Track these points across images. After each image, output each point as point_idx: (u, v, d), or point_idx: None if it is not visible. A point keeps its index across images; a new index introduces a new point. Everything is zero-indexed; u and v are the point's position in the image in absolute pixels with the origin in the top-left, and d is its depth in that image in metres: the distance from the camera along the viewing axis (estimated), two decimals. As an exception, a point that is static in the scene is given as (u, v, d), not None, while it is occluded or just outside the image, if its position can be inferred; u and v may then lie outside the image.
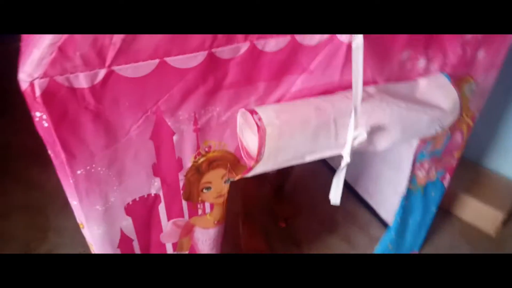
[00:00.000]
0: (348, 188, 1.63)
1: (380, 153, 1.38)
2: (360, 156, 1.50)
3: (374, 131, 0.73)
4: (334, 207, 1.53)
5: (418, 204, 1.14)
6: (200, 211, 0.74)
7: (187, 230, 0.76)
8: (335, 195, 0.77)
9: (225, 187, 0.73)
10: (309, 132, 0.65)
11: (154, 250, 0.74)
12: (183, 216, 0.72)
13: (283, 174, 1.49)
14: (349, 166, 1.58)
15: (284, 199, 1.55)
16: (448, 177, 1.13)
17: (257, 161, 0.64)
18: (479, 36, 0.79)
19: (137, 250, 0.71)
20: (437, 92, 0.77)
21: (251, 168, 0.66)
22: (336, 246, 1.42)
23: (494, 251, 1.43)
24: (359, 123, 0.68)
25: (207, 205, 0.74)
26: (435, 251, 1.42)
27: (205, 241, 0.79)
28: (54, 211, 1.47)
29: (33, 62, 0.47)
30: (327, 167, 1.73)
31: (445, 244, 1.46)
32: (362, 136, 0.68)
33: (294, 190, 1.62)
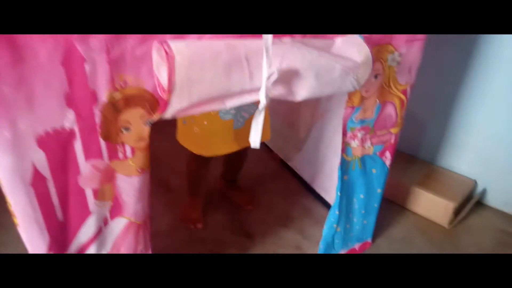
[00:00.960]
0: (306, 187, 1.64)
1: (332, 146, 1.42)
2: (316, 153, 1.53)
3: (290, 78, 0.77)
4: (291, 204, 1.56)
5: (359, 180, 1.15)
6: (120, 155, 0.74)
7: (108, 176, 0.75)
8: (255, 138, 0.78)
9: (146, 130, 0.74)
10: (220, 65, 0.68)
11: (72, 196, 0.73)
12: (102, 158, 0.73)
13: (233, 168, 1.52)
14: (306, 165, 1.62)
15: (241, 189, 1.56)
16: (388, 155, 1.16)
17: (169, 91, 0.66)
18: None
19: (52, 193, 0.71)
20: (350, 48, 0.82)
21: (165, 102, 0.68)
22: (290, 238, 1.41)
23: (448, 241, 1.43)
24: (272, 63, 0.71)
25: (128, 148, 0.74)
26: (388, 242, 1.42)
27: (130, 192, 0.79)
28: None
29: None
30: (287, 169, 1.75)
31: (399, 235, 1.46)
32: (275, 75, 0.71)
33: (252, 188, 1.62)
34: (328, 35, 0.82)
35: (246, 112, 1.19)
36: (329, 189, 1.49)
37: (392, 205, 1.59)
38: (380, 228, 1.44)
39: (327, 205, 1.53)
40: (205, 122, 1.17)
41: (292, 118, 1.67)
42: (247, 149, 1.32)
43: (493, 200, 1.57)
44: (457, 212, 1.49)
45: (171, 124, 1.21)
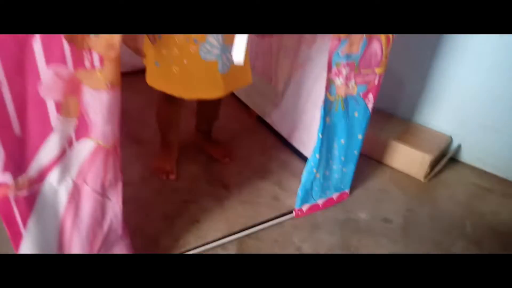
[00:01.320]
0: (283, 142, 1.61)
1: (312, 97, 1.38)
2: (295, 106, 1.49)
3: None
4: (268, 158, 1.52)
5: (341, 123, 1.12)
6: (87, 63, 0.67)
7: (73, 87, 0.68)
8: (238, 54, 0.72)
9: (116, 37, 0.66)
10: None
11: (32, 107, 0.65)
12: (65, 64, 0.65)
13: (207, 118, 1.46)
14: (284, 119, 1.58)
15: (217, 142, 1.51)
16: (371, 98, 1.13)
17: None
18: None
19: (7, 99, 0.62)
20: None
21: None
22: (267, 189, 1.37)
23: (423, 194, 1.44)
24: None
25: (96, 56, 0.67)
26: (365, 194, 1.40)
27: (97, 109, 0.71)
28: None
29: None
30: (265, 126, 1.70)
31: (376, 187, 1.45)
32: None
33: (228, 143, 1.57)
34: None
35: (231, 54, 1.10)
36: (307, 143, 1.46)
37: (370, 161, 1.57)
38: (357, 180, 1.42)
39: (304, 159, 1.49)
40: (185, 61, 1.08)
41: (270, 73, 1.61)
42: (220, 98, 1.25)
43: (467, 156, 1.59)
44: (432, 166, 1.50)
45: (142, 79, 1.15)
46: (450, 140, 1.58)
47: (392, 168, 1.55)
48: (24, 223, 0.76)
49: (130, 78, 1.31)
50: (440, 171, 1.53)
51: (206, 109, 1.41)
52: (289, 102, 1.54)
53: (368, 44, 1.00)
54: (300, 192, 1.21)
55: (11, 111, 0.64)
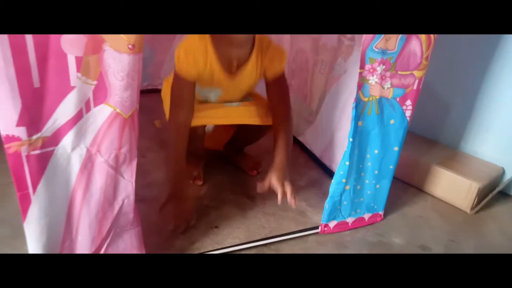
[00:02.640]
0: (316, 161, 1.54)
1: (347, 110, 1.33)
2: (329, 123, 1.44)
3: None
4: (298, 175, 1.45)
5: (375, 130, 1.04)
6: (111, 21, 0.67)
7: (96, 44, 0.68)
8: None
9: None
10: None
11: (53, 60, 0.65)
12: (90, 19, 0.66)
13: (246, 140, 1.43)
14: (317, 138, 1.52)
15: (246, 155, 1.47)
16: (410, 105, 1.05)
17: None
18: None
19: (30, 48, 0.63)
20: None
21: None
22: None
23: (469, 225, 1.28)
24: None
25: (120, 15, 0.67)
26: (402, 220, 1.28)
27: (117, 72, 0.71)
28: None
29: None
30: (298, 144, 1.65)
31: (414, 213, 1.32)
32: None
33: (259, 157, 1.52)
34: None
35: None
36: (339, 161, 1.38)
37: (408, 187, 1.45)
38: (393, 205, 1.31)
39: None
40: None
41: (305, 90, 1.59)
42: (268, 127, 1.25)
43: (522, 190, 1.42)
44: (481, 197, 1.34)
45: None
46: (501, 171, 1.43)
47: (433, 197, 1.41)
48: (34, 187, 0.74)
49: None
50: (488, 204, 1.37)
51: (249, 132, 1.36)
52: (323, 119, 1.48)
53: (406, 41, 0.95)
54: (327, 204, 1.12)
55: (32, 61, 0.65)
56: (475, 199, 1.32)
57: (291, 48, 1.64)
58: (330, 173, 1.45)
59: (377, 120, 1.04)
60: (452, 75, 1.50)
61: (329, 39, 1.40)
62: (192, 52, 1.07)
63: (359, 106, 1.00)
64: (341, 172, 1.07)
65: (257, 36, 1.14)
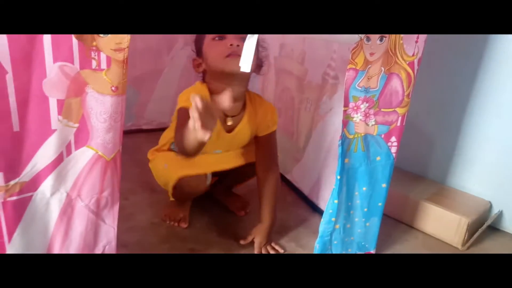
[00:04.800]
0: (304, 200, 1.52)
1: (333, 148, 1.33)
2: (316, 160, 1.44)
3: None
4: (286, 214, 1.42)
5: (362, 167, 1.04)
6: (94, 63, 0.67)
7: (78, 87, 0.67)
8: (245, 63, 0.71)
9: (126, 38, 0.67)
10: None
11: (34, 103, 0.64)
12: (72, 62, 0.65)
13: (236, 179, 1.42)
14: (305, 175, 1.51)
15: (234, 194, 1.44)
16: (395, 141, 1.06)
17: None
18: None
19: (11, 91, 0.62)
20: None
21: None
22: (283, 245, 1.25)
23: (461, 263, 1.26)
24: None
25: (103, 57, 0.67)
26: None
27: (100, 114, 0.70)
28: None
29: None
30: (285, 182, 1.64)
31: (406, 252, 1.29)
32: None
33: (246, 196, 1.50)
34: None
35: None
36: (328, 198, 1.37)
37: (398, 224, 1.43)
38: (384, 243, 1.28)
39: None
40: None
41: (292, 128, 1.60)
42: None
43: (510, 224, 1.42)
44: (471, 231, 1.33)
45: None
46: (488, 205, 1.43)
47: (424, 233, 1.40)
48: (10, 235, 0.70)
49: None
50: (479, 239, 1.36)
51: (238, 173, 1.35)
52: (310, 156, 1.48)
53: (387, 79, 0.97)
54: (317, 244, 1.09)
55: (12, 104, 0.63)
56: (465, 234, 1.30)
57: (276, 86, 1.67)
58: (319, 211, 1.43)
59: (363, 157, 1.04)
60: (435, 111, 1.53)
61: (314, 77, 1.43)
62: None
63: (345, 144, 1.00)
64: (330, 211, 1.05)
65: (247, 93, 1.17)
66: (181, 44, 1.85)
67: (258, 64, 1.15)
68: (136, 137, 1.87)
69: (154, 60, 1.84)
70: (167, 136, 1.27)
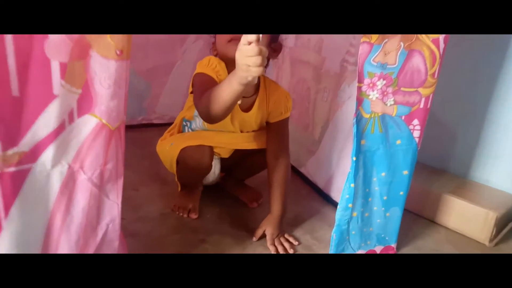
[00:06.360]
0: (319, 193, 1.46)
1: (352, 136, 1.27)
2: (332, 151, 1.38)
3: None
4: (301, 207, 1.36)
5: (380, 150, 0.98)
6: (98, 25, 0.63)
7: (81, 50, 0.63)
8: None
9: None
10: None
11: (35, 67, 0.61)
12: (76, 22, 0.62)
13: (246, 172, 1.37)
14: (320, 168, 1.45)
15: (246, 186, 1.39)
16: (417, 125, 0.99)
17: None
18: None
19: (10, 55, 0.59)
20: None
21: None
22: (297, 237, 1.19)
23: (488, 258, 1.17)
24: None
25: (108, 19, 0.64)
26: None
27: (104, 79, 0.66)
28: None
29: None
30: (300, 176, 1.58)
31: (429, 247, 1.21)
32: None
33: (259, 188, 1.44)
34: None
35: None
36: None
37: (419, 219, 1.36)
38: (405, 238, 1.21)
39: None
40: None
41: (307, 119, 1.54)
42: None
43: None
44: (499, 227, 1.25)
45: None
46: (517, 199, 1.35)
47: (446, 228, 1.32)
48: (6, 210, 0.66)
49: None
50: (507, 236, 1.27)
51: (251, 164, 1.31)
52: (327, 148, 1.43)
53: (408, 56, 0.91)
54: (334, 233, 1.03)
55: (11, 66, 0.60)
56: (493, 229, 1.22)
57: (291, 77, 1.62)
58: (334, 205, 1.36)
59: (381, 139, 0.98)
60: (457, 101, 1.46)
61: (332, 66, 1.38)
62: (216, 64, 1.06)
63: (361, 123, 0.95)
64: (347, 196, 0.99)
65: (263, 77, 1.15)
66: (193, 38, 1.83)
67: (274, 49, 1.11)
68: (147, 131, 1.85)
69: (167, 52, 1.82)
70: (177, 119, 1.25)
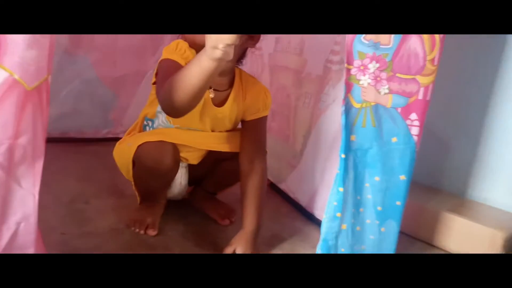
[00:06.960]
0: (301, 212, 1.29)
1: (337, 145, 1.13)
2: (315, 164, 1.22)
3: None
4: (280, 225, 1.18)
5: (373, 149, 0.83)
6: None
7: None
8: None
9: None
10: None
11: None
12: None
13: (218, 184, 1.19)
14: (301, 184, 1.29)
15: (218, 201, 1.21)
16: (416, 119, 0.85)
17: None
18: None
19: None
20: None
21: None
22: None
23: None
24: None
25: None
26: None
27: (18, 20, 0.50)
28: None
29: None
30: (279, 193, 1.41)
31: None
32: None
33: (232, 205, 1.25)
34: None
35: None
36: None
37: (415, 242, 1.19)
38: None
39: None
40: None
41: (287, 130, 1.40)
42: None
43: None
44: (507, 249, 1.09)
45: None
46: (522, 219, 1.20)
47: (446, 251, 1.15)
48: None
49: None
50: (516, 259, 1.11)
51: (225, 173, 1.14)
52: (309, 159, 1.27)
53: (403, 37, 0.79)
54: (319, 249, 0.85)
55: None
56: (501, 252, 1.06)
57: (270, 87, 1.49)
58: (318, 224, 1.17)
59: (374, 134, 0.83)
60: (452, 113, 1.35)
61: (314, 68, 1.25)
62: (185, 49, 0.92)
63: (350, 114, 0.80)
64: (335, 203, 0.82)
65: (239, 71, 1.02)
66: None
67: (251, 36, 0.97)
68: (112, 145, 1.65)
69: (137, 60, 1.67)
70: (139, 118, 1.10)
